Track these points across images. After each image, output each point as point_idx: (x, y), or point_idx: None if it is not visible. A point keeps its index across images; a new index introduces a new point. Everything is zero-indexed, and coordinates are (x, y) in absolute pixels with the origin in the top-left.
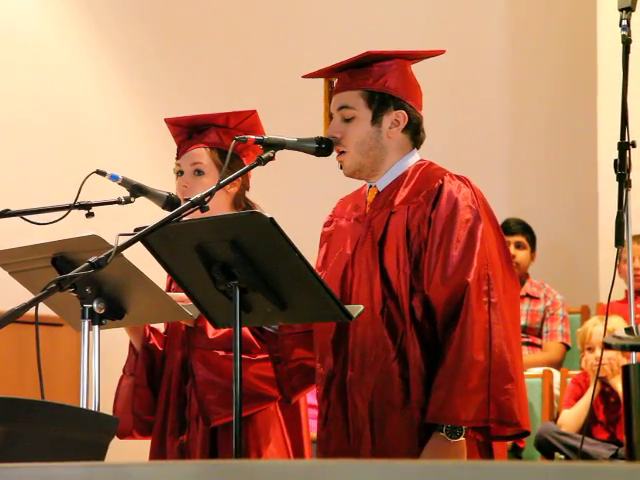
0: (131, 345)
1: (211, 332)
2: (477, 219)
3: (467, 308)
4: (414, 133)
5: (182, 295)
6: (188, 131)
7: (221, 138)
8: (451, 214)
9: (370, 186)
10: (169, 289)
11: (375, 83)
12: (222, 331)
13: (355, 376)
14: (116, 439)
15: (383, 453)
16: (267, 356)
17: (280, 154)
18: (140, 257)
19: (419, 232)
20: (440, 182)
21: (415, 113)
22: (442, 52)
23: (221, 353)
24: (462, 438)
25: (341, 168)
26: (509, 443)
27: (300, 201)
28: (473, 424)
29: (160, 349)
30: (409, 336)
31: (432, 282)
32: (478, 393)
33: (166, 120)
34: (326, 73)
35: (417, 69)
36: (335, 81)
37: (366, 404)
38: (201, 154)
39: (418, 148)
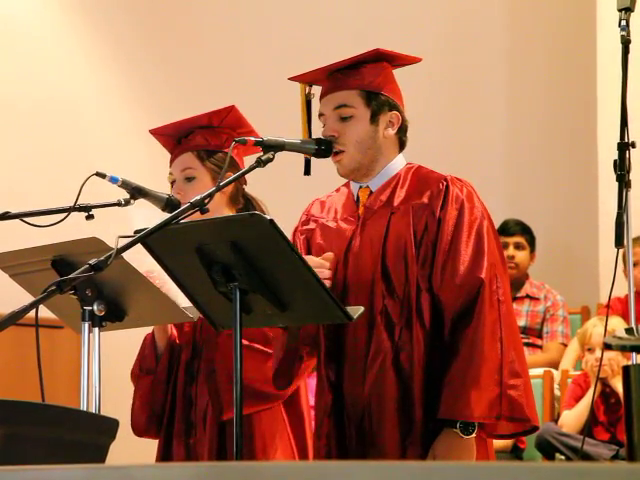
0: (152, 344)
1: None
2: (483, 218)
3: (481, 305)
4: (402, 136)
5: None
6: (176, 138)
7: (207, 139)
8: (459, 214)
9: (360, 187)
10: None
11: (372, 83)
12: None
13: (353, 376)
14: (117, 441)
15: (382, 453)
16: None
17: (279, 156)
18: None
19: (427, 232)
20: (445, 183)
21: (404, 116)
22: (419, 60)
23: (244, 342)
24: (474, 434)
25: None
26: (510, 444)
27: (298, 203)
28: (486, 420)
29: (179, 343)
30: (414, 334)
31: (444, 280)
32: (491, 389)
33: (151, 132)
34: (318, 74)
35: (415, 72)
36: (308, 88)
37: (363, 403)
38: (188, 159)
39: (401, 151)
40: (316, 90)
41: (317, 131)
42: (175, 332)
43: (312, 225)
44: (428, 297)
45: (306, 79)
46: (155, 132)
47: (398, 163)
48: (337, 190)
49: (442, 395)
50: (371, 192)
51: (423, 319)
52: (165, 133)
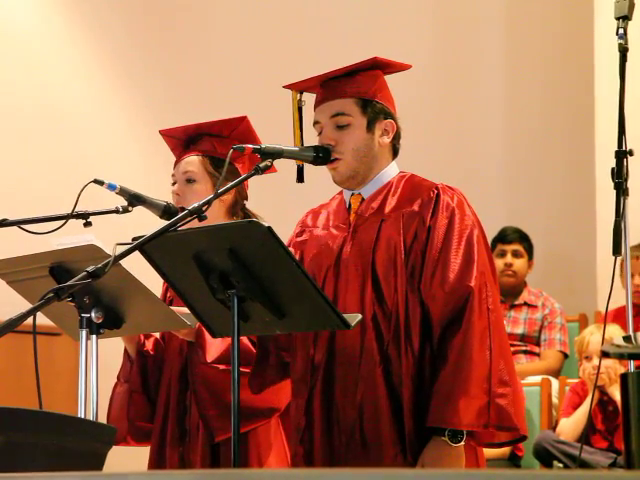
0: (126, 352)
1: (210, 354)
2: (473, 227)
3: (470, 314)
4: (396, 143)
5: (184, 309)
6: (184, 143)
7: (214, 146)
8: (450, 222)
9: (352, 194)
10: (164, 297)
11: (368, 91)
12: (221, 350)
13: (345, 384)
14: (114, 448)
15: (372, 460)
16: None
17: (278, 163)
18: (137, 266)
19: (417, 239)
20: (436, 191)
21: (398, 123)
22: (409, 67)
23: (222, 367)
24: (463, 443)
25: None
26: (507, 451)
27: (297, 210)
28: (474, 429)
29: (152, 353)
30: (402, 342)
31: (433, 288)
32: (480, 397)
33: (161, 132)
34: (313, 82)
35: (412, 83)
36: (299, 95)
37: (356, 411)
38: (192, 162)
39: (394, 159)
40: (307, 97)
41: (309, 138)
42: (145, 341)
43: (305, 236)
44: (417, 305)
45: (300, 87)
46: (164, 133)
47: (391, 171)
48: (331, 199)
49: (431, 403)
50: (363, 199)
51: (412, 327)
52: (174, 135)
